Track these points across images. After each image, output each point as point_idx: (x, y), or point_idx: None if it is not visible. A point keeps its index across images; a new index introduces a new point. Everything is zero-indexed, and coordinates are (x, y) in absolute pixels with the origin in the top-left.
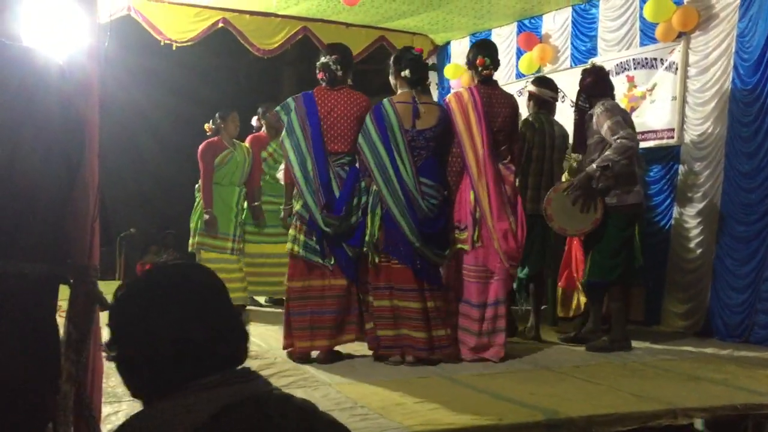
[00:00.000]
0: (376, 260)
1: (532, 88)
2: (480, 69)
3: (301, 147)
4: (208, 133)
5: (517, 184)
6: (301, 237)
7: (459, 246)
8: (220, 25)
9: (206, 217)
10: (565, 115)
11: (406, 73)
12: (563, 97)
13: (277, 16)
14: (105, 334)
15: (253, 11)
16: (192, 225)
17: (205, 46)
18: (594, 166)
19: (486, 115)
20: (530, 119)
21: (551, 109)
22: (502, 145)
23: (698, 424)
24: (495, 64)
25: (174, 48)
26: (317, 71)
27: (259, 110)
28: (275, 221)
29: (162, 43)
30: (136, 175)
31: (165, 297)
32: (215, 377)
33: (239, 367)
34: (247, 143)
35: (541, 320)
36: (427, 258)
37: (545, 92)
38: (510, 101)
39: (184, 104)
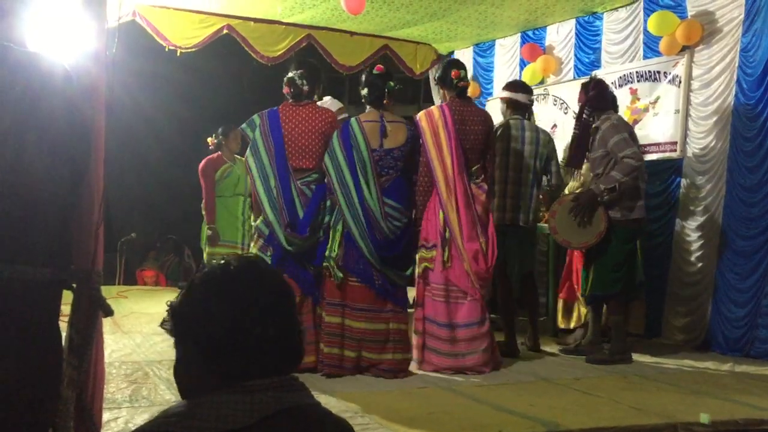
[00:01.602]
0: (340, 275)
1: (504, 93)
2: (456, 81)
3: (264, 164)
4: (210, 147)
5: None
6: (254, 250)
7: (425, 265)
8: (225, 31)
9: (209, 232)
10: (570, 127)
11: (363, 92)
12: (566, 108)
13: (281, 23)
14: (177, 320)
15: (257, 18)
16: (203, 242)
17: (209, 52)
18: (601, 187)
19: (457, 133)
20: (496, 126)
21: (527, 114)
22: (475, 163)
23: (704, 419)
24: (467, 77)
25: (179, 54)
26: (283, 86)
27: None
28: None
29: (167, 49)
30: (138, 179)
31: (244, 290)
32: (272, 380)
33: (290, 375)
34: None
35: (538, 330)
36: (388, 278)
37: (519, 96)
38: (484, 118)
39: (188, 109)
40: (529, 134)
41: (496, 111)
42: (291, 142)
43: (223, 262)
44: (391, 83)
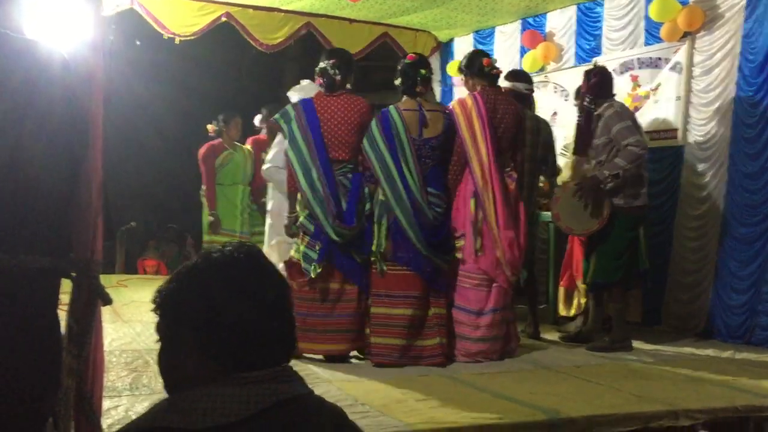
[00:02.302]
0: (384, 268)
1: (505, 83)
2: (488, 69)
3: (305, 156)
4: (210, 134)
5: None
6: (302, 247)
7: (454, 254)
8: (223, 19)
9: (210, 219)
10: (571, 114)
11: (397, 82)
12: (567, 95)
13: (280, 11)
14: (163, 310)
15: (256, 6)
16: (204, 227)
17: (208, 40)
18: (605, 173)
19: (490, 121)
20: None
21: (527, 103)
22: (506, 151)
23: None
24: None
25: (177, 42)
26: (315, 77)
27: (263, 111)
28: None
29: (165, 37)
30: (137, 168)
31: (250, 279)
32: (268, 372)
33: (285, 365)
34: (248, 144)
35: (539, 318)
36: (435, 264)
37: (519, 85)
38: (513, 107)
39: (187, 98)
40: (530, 124)
41: None
42: (328, 133)
43: (223, 249)
44: (422, 71)
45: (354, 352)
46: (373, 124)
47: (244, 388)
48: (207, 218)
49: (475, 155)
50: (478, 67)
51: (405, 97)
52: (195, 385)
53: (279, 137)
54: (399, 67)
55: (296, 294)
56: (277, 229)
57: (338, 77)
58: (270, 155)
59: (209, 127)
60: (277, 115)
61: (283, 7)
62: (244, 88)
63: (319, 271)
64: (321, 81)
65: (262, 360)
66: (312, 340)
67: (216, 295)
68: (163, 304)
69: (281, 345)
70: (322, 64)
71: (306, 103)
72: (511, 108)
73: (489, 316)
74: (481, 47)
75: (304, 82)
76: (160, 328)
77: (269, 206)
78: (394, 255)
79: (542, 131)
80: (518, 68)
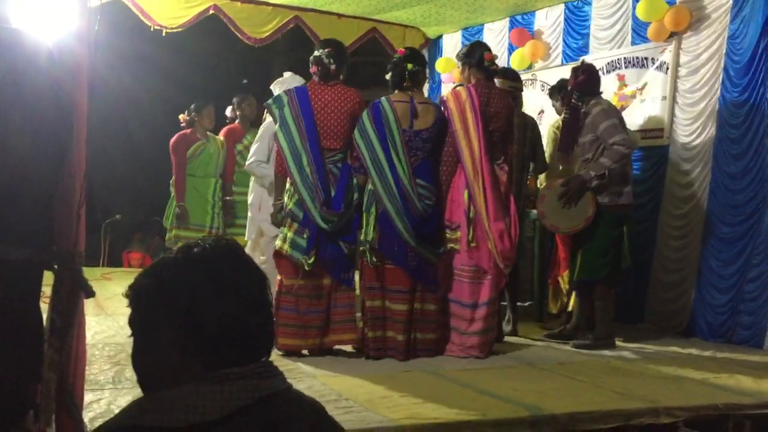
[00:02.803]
0: (374, 259)
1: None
2: (487, 64)
3: (296, 142)
4: (182, 124)
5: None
6: (290, 235)
7: (450, 246)
8: (211, 12)
9: (177, 210)
10: (555, 112)
11: (387, 77)
12: None
13: (268, 4)
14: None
15: None
16: (166, 221)
17: (196, 32)
18: (591, 173)
19: (483, 114)
20: None
21: (516, 101)
22: (497, 145)
23: None
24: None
25: (164, 34)
26: (310, 65)
27: (234, 101)
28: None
29: (152, 29)
30: (123, 160)
31: (232, 275)
32: (249, 368)
33: (265, 360)
34: (221, 135)
35: (518, 315)
36: (423, 256)
37: (505, 83)
38: (506, 101)
39: (174, 90)
40: (518, 120)
41: None
42: (321, 121)
43: (203, 243)
44: (409, 65)
45: (342, 347)
46: (365, 114)
47: (224, 384)
48: (171, 211)
49: (466, 147)
50: (478, 58)
51: (396, 90)
52: (173, 382)
53: (262, 130)
54: (390, 62)
55: (288, 290)
56: (257, 222)
57: (333, 66)
58: (253, 149)
59: (181, 116)
60: (270, 101)
61: (272, 1)
62: (231, 80)
63: (311, 262)
64: (316, 69)
65: (244, 356)
66: (314, 336)
67: (197, 290)
68: (139, 299)
69: (262, 340)
70: (317, 53)
71: (300, 91)
72: (504, 102)
73: (483, 309)
74: None
75: (287, 74)
76: (135, 324)
77: (250, 199)
78: (381, 247)
79: (529, 128)
80: (507, 66)
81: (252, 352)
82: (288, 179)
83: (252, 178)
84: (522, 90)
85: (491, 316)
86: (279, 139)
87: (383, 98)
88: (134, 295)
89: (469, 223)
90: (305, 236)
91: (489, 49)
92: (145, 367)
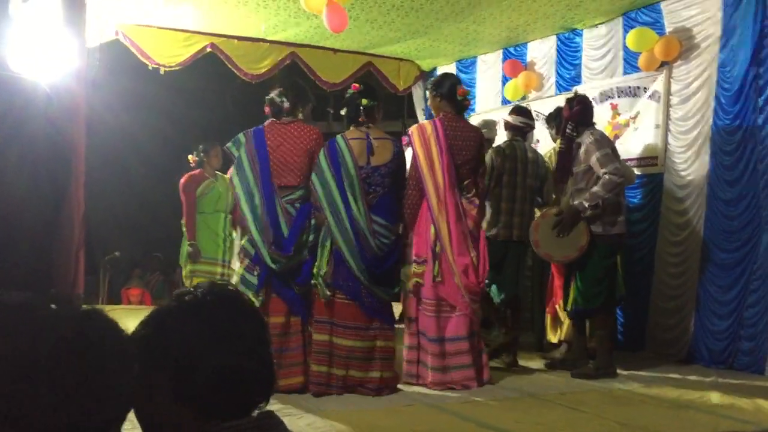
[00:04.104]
0: (327, 293)
1: (507, 117)
2: (461, 99)
3: (249, 182)
4: (191, 164)
5: (487, 214)
6: (240, 270)
7: (416, 279)
8: (208, 50)
9: (189, 249)
10: (550, 142)
11: (342, 112)
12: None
13: (265, 41)
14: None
15: (241, 36)
16: (181, 259)
17: (193, 70)
18: (585, 204)
19: (449, 148)
20: (501, 146)
21: (525, 136)
22: (466, 178)
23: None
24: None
25: (162, 72)
26: (265, 107)
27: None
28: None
29: (150, 68)
30: (122, 197)
31: (228, 323)
32: (250, 420)
33: (266, 410)
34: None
35: (517, 346)
36: (376, 296)
37: (517, 119)
38: (475, 134)
39: (172, 127)
40: (531, 155)
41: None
42: (276, 159)
43: (195, 291)
44: (364, 101)
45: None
46: (321, 153)
47: None
48: (186, 248)
49: (431, 180)
50: (448, 89)
51: (352, 127)
52: (171, 429)
53: None
54: (346, 98)
55: None
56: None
57: (285, 105)
58: None
59: (190, 158)
60: (229, 143)
61: (268, 38)
62: (229, 117)
63: (260, 298)
64: (269, 109)
65: (240, 405)
66: (293, 375)
67: (188, 339)
68: (146, 347)
69: (260, 386)
70: (269, 95)
71: (257, 131)
72: (472, 135)
73: (453, 344)
74: (463, 76)
75: None
76: (135, 373)
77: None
78: (335, 282)
79: (540, 163)
80: (519, 104)
81: (247, 400)
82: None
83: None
84: (534, 128)
85: (467, 353)
86: (233, 179)
87: (338, 136)
88: (142, 342)
89: (434, 258)
90: (255, 273)
91: (460, 82)
92: (146, 417)
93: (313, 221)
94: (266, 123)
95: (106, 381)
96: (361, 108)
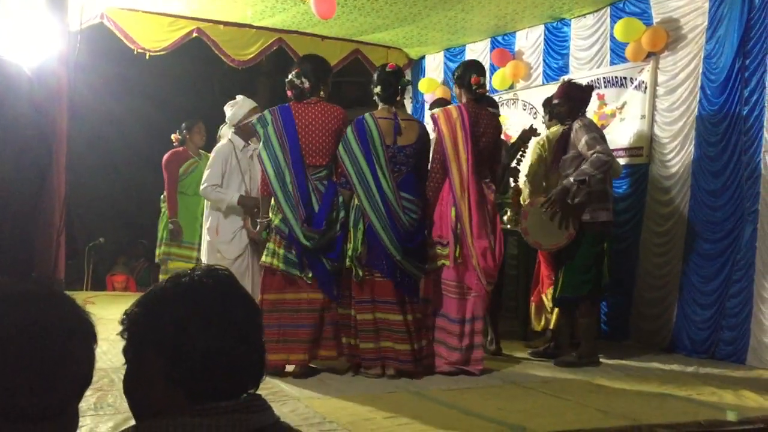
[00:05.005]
0: (360, 274)
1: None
2: (475, 88)
3: (279, 160)
4: (174, 144)
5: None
6: (281, 251)
7: (441, 261)
8: (195, 35)
9: (171, 226)
10: (541, 131)
11: (377, 90)
12: (535, 113)
13: (252, 27)
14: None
15: (228, 22)
16: (159, 235)
17: (180, 55)
18: (571, 179)
19: (473, 133)
20: None
21: None
22: (485, 164)
23: (731, 416)
24: (485, 83)
25: (148, 57)
26: (286, 90)
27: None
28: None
29: (135, 52)
30: (107, 183)
31: (222, 307)
32: (237, 402)
33: (254, 393)
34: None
35: (499, 333)
36: (408, 271)
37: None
38: (494, 122)
39: (158, 112)
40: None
41: None
42: (305, 139)
43: (192, 273)
44: (404, 79)
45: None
46: (349, 130)
47: (213, 418)
48: (166, 226)
49: (455, 163)
50: (468, 80)
51: (381, 106)
52: (161, 411)
53: (214, 154)
54: (377, 76)
55: (273, 306)
56: (216, 246)
57: (306, 85)
58: (206, 174)
59: (173, 136)
60: (254, 119)
61: (255, 24)
62: (216, 102)
63: (310, 276)
64: (291, 92)
65: (230, 388)
66: (299, 351)
67: (183, 322)
68: (129, 328)
69: (249, 372)
70: (289, 77)
71: (284, 109)
72: (492, 122)
73: (469, 325)
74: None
75: (239, 98)
76: (127, 352)
77: (207, 224)
78: (370, 261)
79: (504, 150)
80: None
81: (238, 384)
82: (273, 198)
83: (207, 204)
84: (499, 115)
85: (477, 333)
86: (263, 157)
87: (367, 115)
88: (126, 323)
89: (456, 240)
90: (293, 252)
91: (479, 72)
92: (135, 395)
93: (341, 198)
94: (291, 102)
95: (62, 361)
96: (400, 87)
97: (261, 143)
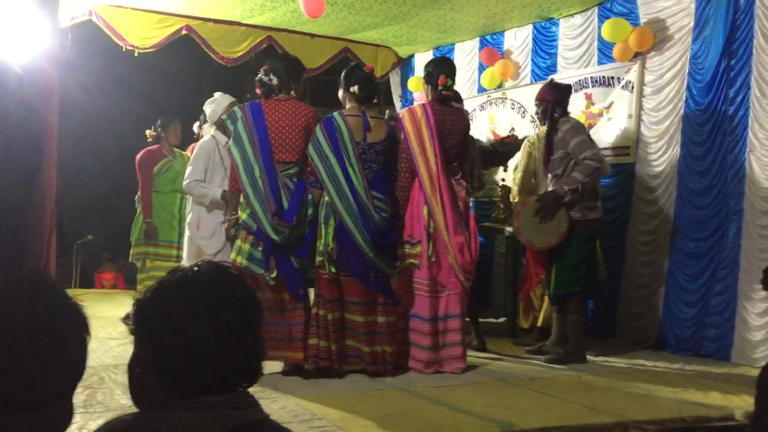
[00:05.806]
0: (333, 270)
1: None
2: (440, 88)
3: (249, 155)
4: (149, 140)
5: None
6: (246, 247)
7: (410, 261)
8: (184, 32)
9: (145, 227)
10: (528, 130)
11: (354, 89)
12: (524, 112)
13: (241, 24)
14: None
15: (217, 19)
16: (132, 236)
17: (169, 52)
18: (564, 188)
19: (439, 131)
20: None
21: None
22: (454, 161)
23: (738, 415)
24: (453, 85)
25: (136, 54)
26: (256, 88)
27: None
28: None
29: (124, 49)
30: (96, 180)
31: (219, 305)
32: (225, 397)
33: (245, 389)
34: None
35: (481, 329)
36: (380, 269)
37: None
38: (461, 119)
39: (148, 110)
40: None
41: None
42: (274, 135)
43: (191, 268)
44: (381, 85)
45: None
46: (318, 129)
47: (200, 413)
48: (138, 227)
49: (423, 163)
50: (435, 79)
51: (349, 104)
52: (153, 399)
53: (197, 150)
54: (355, 75)
55: None
56: (197, 241)
57: (274, 82)
58: (189, 170)
59: (147, 132)
60: (224, 115)
61: (244, 21)
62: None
63: (273, 276)
64: (259, 90)
65: (220, 384)
66: (283, 349)
67: (172, 314)
68: (137, 316)
69: (240, 371)
70: (258, 75)
71: (254, 105)
72: (459, 119)
73: (442, 323)
74: None
75: (217, 95)
76: (134, 338)
77: (188, 219)
78: (340, 259)
79: (473, 147)
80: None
81: (229, 380)
82: (241, 194)
83: (190, 198)
84: (463, 108)
85: (451, 331)
86: (232, 152)
87: (335, 113)
88: (134, 311)
89: (429, 238)
90: (260, 249)
91: (448, 72)
92: (132, 380)
93: (309, 196)
94: (262, 99)
95: (53, 349)
96: (376, 89)
97: (230, 139)
